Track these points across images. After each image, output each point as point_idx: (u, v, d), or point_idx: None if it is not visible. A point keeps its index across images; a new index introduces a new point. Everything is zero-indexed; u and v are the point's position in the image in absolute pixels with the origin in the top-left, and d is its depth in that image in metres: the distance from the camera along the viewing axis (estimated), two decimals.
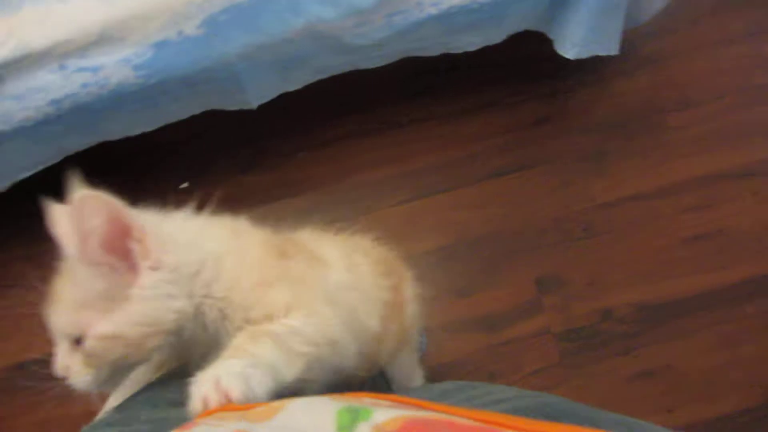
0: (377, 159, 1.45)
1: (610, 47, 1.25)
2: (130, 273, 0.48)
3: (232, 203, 0.59)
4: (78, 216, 0.45)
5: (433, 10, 1.15)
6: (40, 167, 1.25)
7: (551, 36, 1.28)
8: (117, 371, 0.52)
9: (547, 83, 1.47)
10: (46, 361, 1.59)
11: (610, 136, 1.43)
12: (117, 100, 1.13)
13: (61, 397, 1.60)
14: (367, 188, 1.44)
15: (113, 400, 0.61)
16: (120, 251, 0.47)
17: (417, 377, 0.91)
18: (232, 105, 1.26)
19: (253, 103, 1.25)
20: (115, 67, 1.10)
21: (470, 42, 1.26)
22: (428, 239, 1.38)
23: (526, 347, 1.31)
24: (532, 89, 1.47)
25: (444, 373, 1.30)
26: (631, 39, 1.34)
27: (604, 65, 1.44)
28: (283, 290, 0.52)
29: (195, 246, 0.52)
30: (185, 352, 0.56)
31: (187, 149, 1.48)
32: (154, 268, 0.48)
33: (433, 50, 1.27)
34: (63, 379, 0.52)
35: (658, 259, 1.33)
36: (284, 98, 1.28)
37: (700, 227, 1.35)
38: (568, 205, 1.37)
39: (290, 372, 0.46)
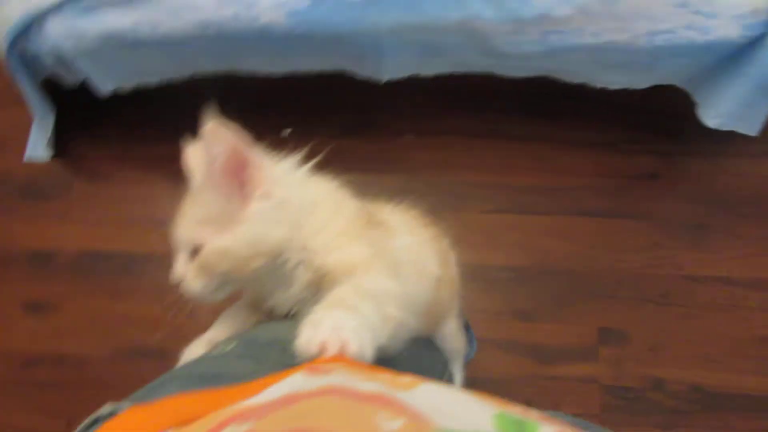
0: (479, 163, 1.44)
1: (752, 127, 1.21)
2: (244, 199, 0.55)
3: (324, 162, 0.62)
4: (207, 141, 0.52)
5: (591, 39, 1.12)
6: (166, 79, 1.28)
7: (696, 98, 1.24)
8: (222, 285, 0.58)
9: (668, 141, 1.43)
10: (114, 255, 1.63)
11: (716, 212, 1.38)
12: (260, 38, 1.14)
13: (114, 292, 1.65)
14: (461, 188, 1.43)
15: (194, 348, 0.63)
16: (238, 178, 0.54)
17: (462, 345, 0.98)
18: (362, 73, 1.26)
19: (384, 77, 1.25)
20: (270, 6, 1.11)
21: (614, 81, 1.23)
22: (507, 255, 1.38)
23: (569, 388, 1.30)
24: (651, 142, 1.43)
25: (480, 388, 1.31)
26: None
27: (730, 140, 1.37)
28: (364, 247, 0.57)
29: (301, 188, 0.59)
30: (265, 293, 0.61)
31: (300, 99, 1.49)
32: (263, 197, 0.55)
33: (574, 77, 1.24)
34: (178, 283, 0.58)
35: (728, 347, 1.30)
36: (410, 79, 1.28)
37: None
38: (654, 267, 1.35)
39: (382, 336, 0.46)
